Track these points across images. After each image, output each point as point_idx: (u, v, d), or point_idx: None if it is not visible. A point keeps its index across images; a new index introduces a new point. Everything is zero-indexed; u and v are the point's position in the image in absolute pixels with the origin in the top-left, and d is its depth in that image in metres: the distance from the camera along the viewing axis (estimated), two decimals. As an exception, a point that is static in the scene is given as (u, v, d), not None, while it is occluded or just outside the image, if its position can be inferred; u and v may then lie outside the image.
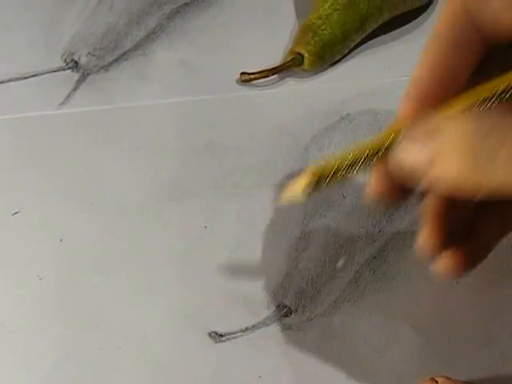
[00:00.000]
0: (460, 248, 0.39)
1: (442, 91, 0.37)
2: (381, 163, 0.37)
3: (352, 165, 0.37)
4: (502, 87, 0.35)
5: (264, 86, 0.56)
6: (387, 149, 0.36)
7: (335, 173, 0.37)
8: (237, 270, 0.48)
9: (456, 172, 0.34)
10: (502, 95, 0.35)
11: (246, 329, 0.46)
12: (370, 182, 0.38)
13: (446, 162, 0.34)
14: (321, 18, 0.55)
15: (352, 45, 0.56)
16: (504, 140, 0.33)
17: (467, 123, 0.33)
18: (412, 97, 0.37)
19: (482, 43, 0.38)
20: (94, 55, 0.57)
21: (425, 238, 0.38)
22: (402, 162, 0.35)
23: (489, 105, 0.35)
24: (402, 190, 0.37)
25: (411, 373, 0.44)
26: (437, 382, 0.42)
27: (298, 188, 0.38)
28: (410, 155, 0.35)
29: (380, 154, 0.37)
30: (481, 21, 0.37)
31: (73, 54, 0.57)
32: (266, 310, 0.47)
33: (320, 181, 0.38)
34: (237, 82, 0.56)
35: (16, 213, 0.50)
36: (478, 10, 0.37)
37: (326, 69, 0.57)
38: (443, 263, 0.38)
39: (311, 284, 0.48)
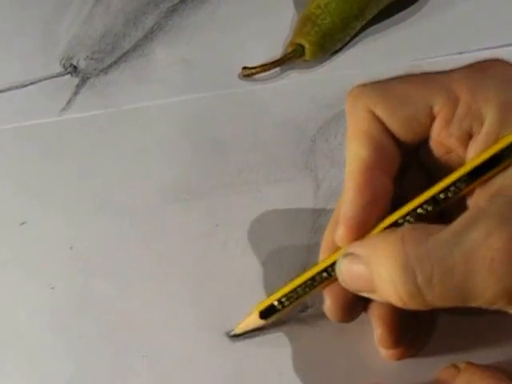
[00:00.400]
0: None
1: (374, 208, 0.40)
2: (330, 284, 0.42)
3: (297, 292, 0.42)
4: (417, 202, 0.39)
5: (266, 79, 0.55)
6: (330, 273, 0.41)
7: (284, 302, 0.43)
8: (249, 268, 0.47)
9: (398, 299, 0.37)
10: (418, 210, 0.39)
11: (263, 327, 0.45)
12: (326, 303, 0.42)
13: (384, 291, 0.38)
14: (320, 8, 0.54)
15: (353, 32, 0.56)
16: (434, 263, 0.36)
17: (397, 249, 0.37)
18: (347, 220, 0.40)
19: (396, 149, 0.41)
20: (92, 59, 0.56)
21: (379, 338, 0.42)
22: (351, 289, 0.40)
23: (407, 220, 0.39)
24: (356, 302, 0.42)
25: (433, 362, 0.44)
26: (458, 367, 0.41)
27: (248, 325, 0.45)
28: (353, 284, 0.40)
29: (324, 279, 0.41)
30: (391, 129, 0.40)
31: (71, 58, 0.56)
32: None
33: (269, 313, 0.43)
34: (239, 76, 0.55)
35: (23, 223, 0.50)
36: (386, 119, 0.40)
37: (327, 58, 0.56)
38: (390, 354, 0.43)
39: (326, 278, 0.47)
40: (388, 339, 0.42)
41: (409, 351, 0.43)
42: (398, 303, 0.37)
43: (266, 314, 0.43)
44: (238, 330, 0.45)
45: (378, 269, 0.37)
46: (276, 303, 0.42)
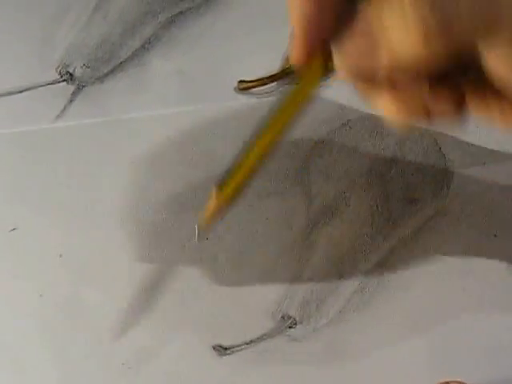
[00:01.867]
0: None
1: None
2: None
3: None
4: None
5: (262, 93, 0.55)
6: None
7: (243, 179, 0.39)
8: (240, 282, 0.47)
9: (415, 41, 0.30)
10: None
11: (251, 341, 0.46)
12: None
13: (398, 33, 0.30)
14: (318, 23, 0.55)
15: (350, 49, 0.56)
16: None
17: None
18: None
19: None
20: (88, 67, 0.56)
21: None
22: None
23: None
24: None
25: (421, 380, 0.44)
26: None
27: (212, 208, 0.41)
28: None
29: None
30: None
31: (67, 66, 0.56)
32: (270, 322, 0.46)
33: (232, 192, 0.39)
34: (235, 90, 0.55)
35: (13, 229, 0.50)
36: None
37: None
38: None
39: (316, 294, 0.47)
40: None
41: None
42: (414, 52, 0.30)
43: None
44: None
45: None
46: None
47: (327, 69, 0.35)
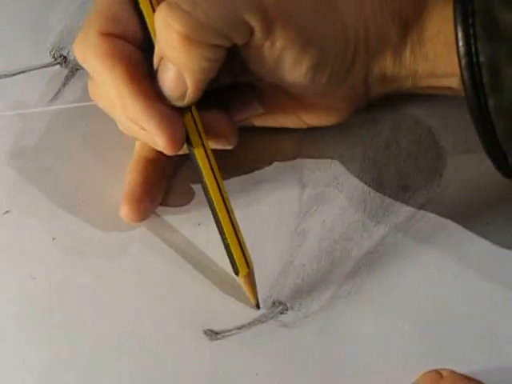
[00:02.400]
0: None
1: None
2: None
3: None
4: None
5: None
6: None
7: None
8: (231, 267, 0.47)
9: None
10: None
11: (242, 326, 0.46)
12: None
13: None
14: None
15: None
16: None
17: None
18: None
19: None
20: (82, 50, 0.56)
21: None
22: None
23: None
24: None
25: (411, 367, 0.44)
26: (441, 374, 0.42)
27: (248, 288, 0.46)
28: None
29: None
30: None
31: (61, 49, 0.56)
32: (262, 308, 0.46)
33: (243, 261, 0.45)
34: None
35: (7, 212, 0.50)
36: None
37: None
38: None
39: (307, 280, 0.47)
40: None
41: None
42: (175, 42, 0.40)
43: None
44: None
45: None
46: None
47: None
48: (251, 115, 0.49)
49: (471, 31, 0.40)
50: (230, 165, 0.50)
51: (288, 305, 0.46)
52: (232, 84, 0.48)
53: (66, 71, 0.55)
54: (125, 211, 0.47)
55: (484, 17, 0.40)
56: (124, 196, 0.48)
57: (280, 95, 0.47)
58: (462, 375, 0.42)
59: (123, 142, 0.52)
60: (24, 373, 0.44)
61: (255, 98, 0.48)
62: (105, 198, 0.50)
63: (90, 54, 0.44)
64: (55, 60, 0.56)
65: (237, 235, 0.44)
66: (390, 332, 0.45)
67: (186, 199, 0.50)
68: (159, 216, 0.50)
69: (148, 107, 0.43)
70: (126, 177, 0.48)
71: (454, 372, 0.42)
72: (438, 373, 0.42)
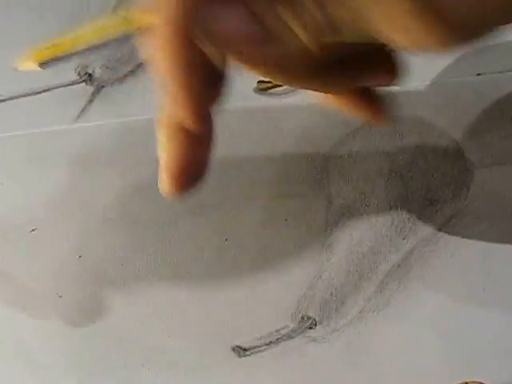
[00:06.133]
0: None
1: None
2: None
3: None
4: None
5: (281, 94, 0.55)
6: None
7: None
8: (260, 283, 0.47)
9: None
10: None
11: (271, 342, 0.46)
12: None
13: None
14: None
15: (369, 50, 0.56)
16: None
17: None
18: None
19: None
20: (108, 67, 0.56)
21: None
22: None
23: None
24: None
25: (440, 381, 0.44)
26: None
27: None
28: None
29: None
30: None
31: (86, 66, 0.56)
32: (290, 323, 0.46)
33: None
34: (254, 90, 0.55)
35: (33, 230, 0.50)
36: None
37: (343, 75, 0.57)
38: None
39: (335, 294, 0.47)
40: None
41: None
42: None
43: None
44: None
45: None
46: None
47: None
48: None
49: None
50: (256, 180, 0.50)
51: (317, 319, 0.46)
52: None
53: (91, 89, 0.56)
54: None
55: None
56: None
57: None
58: (490, 386, 0.42)
59: (149, 159, 0.52)
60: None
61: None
62: (131, 213, 0.51)
63: None
64: (80, 77, 0.56)
65: None
66: (418, 345, 0.45)
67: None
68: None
69: None
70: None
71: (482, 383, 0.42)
72: (467, 384, 0.42)
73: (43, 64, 0.39)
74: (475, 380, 0.42)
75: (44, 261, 0.49)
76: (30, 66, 0.40)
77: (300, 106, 0.55)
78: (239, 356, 0.45)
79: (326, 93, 0.39)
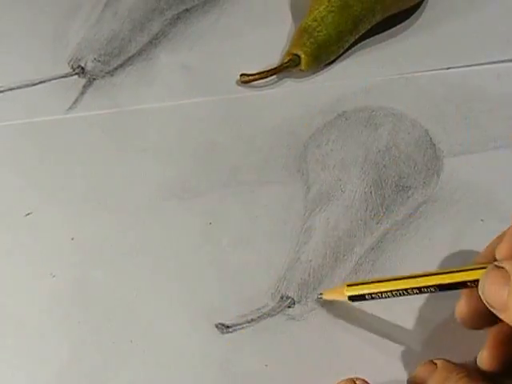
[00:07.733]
0: None
1: None
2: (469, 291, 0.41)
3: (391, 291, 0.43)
4: None
5: (263, 86, 0.57)
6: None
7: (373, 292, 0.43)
8: (241, 265, 0.49)
9: None
10: None
11: (252, 320, 0.47)
12: (458, 303, 0.42)
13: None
14: (316, 21, 0.56)
15: (346, 45, 0.58)
16: None
17: None
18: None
19: None
20: (99, 61, 0.58)
21: (481, 358, 0.42)
22: (484, 298, 0.39)
23: None
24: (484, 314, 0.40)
25: (412, 358, 0.45)
26: (435, 364, 0.42)
27: (336, 294, 0.45)
28: (490, 296, 0.38)
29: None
30: None
31: (79, 60, 0.58)
32: (270, 302, 0.47)
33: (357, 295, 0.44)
34: (237, 83, 0.57)
35: (28, 214, 0.51)
36: None
37: (322, 69, 0.58)
38: None
39: (313, 275, 0.48)
40: (488, 361, 0.42)
41: None
42: None
43: (354, 298, 0.44)
44: (325, 296, 0.46)
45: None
46: (367, 295, 0.43)
47: None
48: None
49: None
50: (239, 166, 0.52)
51: (295, 299, 0.47)
52: None
53: (83, 81, 0.57)
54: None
55: None
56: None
57: None
58: (456, 363, 0.42)
59: (141, 147, 0.54)
60: (45, 366, 0.46)
61: None
62: (122, 199, 0.52)
63: None
64: (73, 70, 0.57)
65: None
66: (392, 324, 0.47)
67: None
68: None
69: None
70: None
71: (448, 361, 0.42)
72: (432, 363, 0.42)
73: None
74: (440, 358, 0.43)
75: (38, 243, 0.50)
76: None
77: (279, 97, 0.57)
78: (222, 332, 0.46)
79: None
